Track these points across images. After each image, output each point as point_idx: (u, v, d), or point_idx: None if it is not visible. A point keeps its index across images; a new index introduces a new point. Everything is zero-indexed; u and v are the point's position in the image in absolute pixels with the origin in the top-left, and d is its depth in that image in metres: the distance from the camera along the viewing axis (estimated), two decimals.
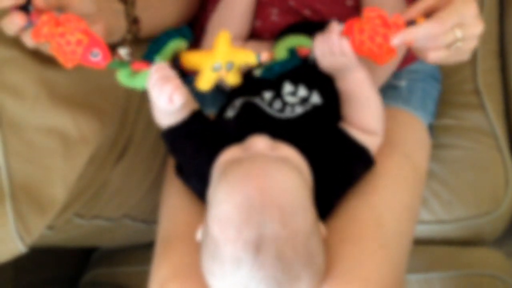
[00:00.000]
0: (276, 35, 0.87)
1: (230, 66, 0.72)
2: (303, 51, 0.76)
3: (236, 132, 0.74)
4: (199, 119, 0.77)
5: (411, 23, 0.69)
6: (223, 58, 0.71)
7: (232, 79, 0.75)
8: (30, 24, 0.67)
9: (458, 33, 0.68)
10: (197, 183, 0.77)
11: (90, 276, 1.25)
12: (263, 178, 0.64)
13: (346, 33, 0.72)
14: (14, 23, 0.66)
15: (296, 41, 0.78)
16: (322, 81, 0.79)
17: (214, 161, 0.73)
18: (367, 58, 0.73)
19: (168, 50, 0.75)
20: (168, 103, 0.70)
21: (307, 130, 0.76)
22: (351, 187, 0.78)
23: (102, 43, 0.68)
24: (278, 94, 0.79)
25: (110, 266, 1.23)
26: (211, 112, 0.92)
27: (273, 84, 0.80)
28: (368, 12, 0.70)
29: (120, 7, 0.79)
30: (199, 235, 0.71)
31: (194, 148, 0.76)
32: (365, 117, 0.77)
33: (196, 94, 1.00)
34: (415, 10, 0.70)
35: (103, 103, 0.81)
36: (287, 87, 0.80)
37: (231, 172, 0.67)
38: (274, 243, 0.62)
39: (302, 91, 0.79)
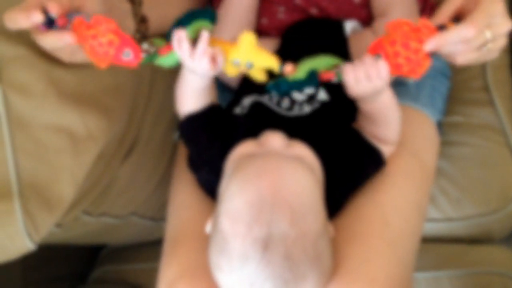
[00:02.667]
0: (282, 32, 0.87)
1: (249, 65, 0.71)
2: (326, 76, 0.71)
3: (245, 130, 0.74)
4: (218, 112, 0.77)
5: (440, 27, 0.67)
6: (242, 58, 0.70)
7: (256, 76, 0.73)
8: (52, 26, 0.67)
9: (488, 34, 0.67)
10: (208, 174, 0.77)
11: (99, 273, 1.25)
12: (276, 176, 0.64)
13: (376, 51, 0.68)
14: (64, 41, 0.67)
15: (327, 61, 0.72)
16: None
17: (226, 154, 0.73)
18: (403, 74, 0.69)
19: (191, 30, 0.72)
20: (212, 66, 0.68)
21: (317, 128, 0.76)
22: (360, 186, 0.78)
23: (133, 42, 0.68)
24: None
25: (118, 263, 1.24)
26: None
27: None
28: (392, 24, 0.67)
29: (128, 6, 0.80)
30: (208, 228, 0.71)
31: (209, 139, 0.76)
32: (384, 133, 0.77)
33: None
34: (444, 14, 0.69)
35: (111, 101, 0.81)
36: None
37: (245, 168, 0.67)
38: (283, 242, 0.62)
39: (309, 88, 0.79)
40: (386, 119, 0.75)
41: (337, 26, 0.86)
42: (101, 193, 0.90)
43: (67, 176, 0.74)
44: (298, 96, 0.79)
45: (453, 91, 1.09)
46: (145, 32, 0.85)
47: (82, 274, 1.28)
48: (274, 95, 0.79)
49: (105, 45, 0.67)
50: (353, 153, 0.76)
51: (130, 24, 0.81)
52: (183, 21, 0.70)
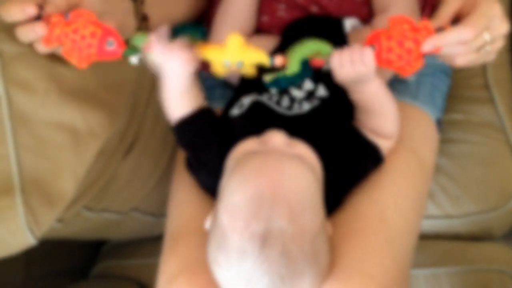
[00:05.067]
0: (282, 30, 0.88)
1: (240, 64, 0.72)
2: (316, 63, 0.73)
3: (246, 131, 0.74)
4: (209, 114, 0.78)
5: (439, 30, 0.68)
6: (233, 58, 0.71)
7: (247, 72, 0.74)
8: None
9: (487, 36, 0.68)
10: (207, 177, 0.78)
11: (100, 268, 1.26)
12: (277, 173, 0.65)
13: (372, 42, 0.69)
14: (36, 32, 0.67)
15: (313, 46, 0.74)
16: (328, 74, 0.79)
17: (225, 155, 0.74)
18: (393, 70, 0.71)
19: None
20: (185, 64, 0.70)
21: (317, 126, 0.76)
22: (359, 183, 0.79)
23: (115, 31, 0.69)
24: (284, 89, 0.79)
25: (120, 259, 1.25)
26: (219, 107, 0.92)
27: None
28: (394, 19, 0.68)
29: (129, 5, 0.80)
30: (207, 224, 0.72)
31: (205, 142, 0.77)
32: (381, 124, 0.77)
33: (205, 90, 1.01)
34: (443, 16, 0.69)
35: (112, 98, 0.82)
36: None
37: (245, 164, 0.68)
38: (281, 239, 0.63)
39: (308, 84, 0.79)
40: (379, 110, 0.76)
41: (337, 24, 0.87)
42: (102, 189, 0.90)
43: (68, 172, 0.75)
44: (297, 93, 0.79)
45: (453, 89, 1.10)
46: (146, 31, 0.85)
47: (83, 269, 1.29)
48: (274, 94, 0.80)
49: (87, 37, 0.67)
50: (352, 150, 0.77)
51: (132, 22, 0.81)
52: (173, 33, 0.72)
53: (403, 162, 0.82)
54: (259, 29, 0.91)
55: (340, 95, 0.78)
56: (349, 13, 0.89)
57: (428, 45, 0.67)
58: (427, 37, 0.67)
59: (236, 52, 0.71)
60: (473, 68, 1.15)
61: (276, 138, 0.71)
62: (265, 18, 0.91)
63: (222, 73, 0.73)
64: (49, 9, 0.67)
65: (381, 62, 0.69)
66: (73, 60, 0.70)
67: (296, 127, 0.74)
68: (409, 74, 0.70)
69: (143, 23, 0.84)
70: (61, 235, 0.95)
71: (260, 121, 0.75)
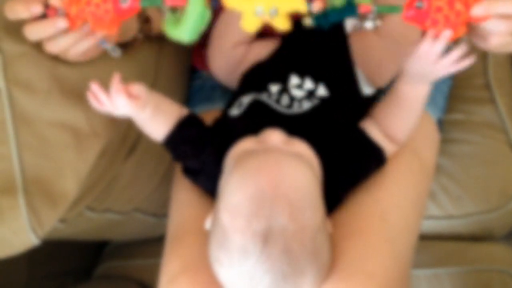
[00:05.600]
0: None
1: (274, 11, 0.65)
2: (363, 8, 0.66)
3: (244, 130, 0.74)
4: (193, 122, 0.78)
5: None
6: (265, 3, 0.65)
7: (280, 25, 0.67)
8: None
9: None
10: (205, 181, 0.79)
11: (103, 268, 1.26)
12: (276, 172, 0.65)
13: None
14: (57, 26, 0.67)
15: None
16: (329, 73, 0.80)
17: (220, 158, 0.74)
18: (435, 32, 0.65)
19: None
20: (132, 101, 0.71)
21: (316, 125, 0.76)
22: (359, 183, 0.79)
23: None
24: (284, 88, 0.79)
25: (122, 259, 1.25)
26: (219, 107, 0.92)
27: (279, 76, 0.80)
28: None
29: None
30: (208, 224, 0.72)
31: (195, 150, 0.77)
32: (398, 127, 0.77)
33: (206, 91, 1.01)
34: None
35: None
36: (294, 80, 0.80)
37: (245, 163, 0.68)
38: (282, 237, 0.63)
39: (309, 84, 0.79)
40: (408, 113, 0.75)
41: (337, 24, 0.87)
42: (104, 189, 0.91)
43: (70, 172, 0.75)
44: (297, 92, 0.79)
45: (455, 89, 1.10)
46: (148, 33, 0.85)
47: (87, 269, 1.29)
48: (273, 93, 0.80)
49: (101, 4, 0.66)
50: (354, 150, 0.77)
51: (134, 24, 0.82)
52: None
53: (404, 162, 0.83)
54: (260, 32, 0.91)
55: (340, 95, 0.79)
56: None
57: (479, 10, 0.62)
58: (476, 2, 0.63)
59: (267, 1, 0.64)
60: (474, 68, 1.15)
61: (274, 137, 0.71)
62: None
63: (254, 27, 0.67)
64: (53, 1, 0.67)
65: (426, 21, 0.64)
66: (104, 30, 0.68)
67: (295, 126, 0.74)
68: (450, 39, 0.65)
69: (145, 26, 0.84)
70: (64, 235, 0.95)
71: (259, 120, 0.75)
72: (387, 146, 0.78)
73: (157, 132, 0.77)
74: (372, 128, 0.77)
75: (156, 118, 0.76)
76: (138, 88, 0.72)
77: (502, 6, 0.63)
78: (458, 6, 0.63)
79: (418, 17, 0.65)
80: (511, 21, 0.64)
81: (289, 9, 0.66)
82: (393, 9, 0.66)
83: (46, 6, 0.67)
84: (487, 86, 1.14)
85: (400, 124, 0.77)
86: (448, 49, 0.66)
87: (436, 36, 0.64)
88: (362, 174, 0.78)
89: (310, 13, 0.66)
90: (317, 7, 0.66)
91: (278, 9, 0.65)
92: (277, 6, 0.65)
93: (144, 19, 0.84)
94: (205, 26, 0.67)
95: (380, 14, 0.67)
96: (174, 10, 0.68)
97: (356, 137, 0.77)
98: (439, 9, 0.63)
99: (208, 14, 0.66)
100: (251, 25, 0.67)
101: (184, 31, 0.67)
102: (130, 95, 0.71)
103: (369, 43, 0.85)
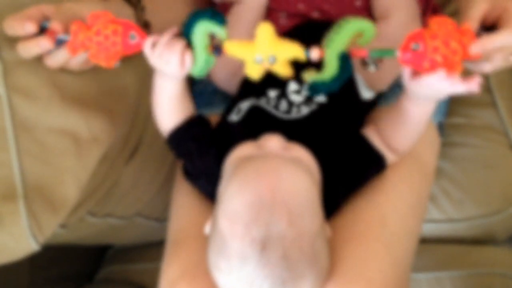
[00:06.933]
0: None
1: (272, 59, 0.67)
2: (358, 52, 0.67)
3: (244, 136, 0.74)
4: (203, 122, 0.78)
5: (478, 34, 0.66)
6: (264, 52, 0.66)
7: (280, 71, 0.68)
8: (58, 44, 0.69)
9: None
10: (206, 184, 0.79)
11: (105, 272, 1.27)
12: (274, 178, 0.65)
13: (414, 41, 0.64)
14: (41, 46, 0.68)
15: (353, 27, 0.66)
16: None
17: (222, 162, 0.74)
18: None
19: (202, 35, 0.69)
20: (180, 66, 0.68)
21: (315, 130, 0.76)
22: (359, 188, 0.79)
23: (134, 25, 0.69)
24: (283, 93, 0.79)
25: (124, 263, 1.25)
26: (219, 112, 0.92)
27: (278, 82, 0.80)
28: (436, 20, 0.65)
29: (131, 12, 0.81)
30: (207, 229, 0.72)
31: (201, 150, 0.77)
32: (400, 140, 0.76)
33: (207, 96, 1.01)
34: (472, 19, 0.68)
35: (114, 104, 0.82)
36: (292, 85, 0.80)
37: (243, 169, 0.68)
38: (281, 243, 0.63)
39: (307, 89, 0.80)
40: (411, 128, 0.74)
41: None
42: (105, 194, 0.91)
43: (71, 178, 0.75)
44: (295, 97, 0.79)
45: None
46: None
47: (88, 273, 1.29)
48: (272, 98, 0.80)
49: (111, 36, 0.68)
50: (356, 157, 0.77)
51: None
52: (191, 23, 0.69)
53: (404, 166, 0.82)
54: None
55: (338, 101, 0.79)
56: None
57: (477, 47, 0.64)
58: (471, 40, 0.64)
59: (267, 45, 0.66)
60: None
61: (273, 142, 0.71)
62: None
63: (257, 73, 0.69)
64: (53, 25, 0.68)
65: (424, 62, 0.64)
66: (101, 62, 0.70)
67: (294, 131, 0.74)
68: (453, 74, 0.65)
69: (145, 30, 0.85)
70: (65, 240, 0.95)
71: (258, 126, 0.75)
72: (388, 155, 0.78)
73: (169, 120, 0.77)
74: (374, 136, 0.77)
75: (178, 102, 0.75)
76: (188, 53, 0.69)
77: (497, 41, 0.65)
78: (453, 44, 0.64)
79: (415, 59, 0.65)
80: (504, 51, 0.66)
81: (287, 57, 0.67)
82: (387, 52, 0.67)
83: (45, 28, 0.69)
84: (488, 90, 1.14)
85: (402, 138, 0.76)
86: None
87: (445, 77, 0.64)
88: (362, 180, 0.78)
89: (309, 61, 0.67)
90: (315, 55, 0.66)
91: (277, 57, 0.66)
92: (275, 54, 0.66)
93: (144, 23, 0.84)
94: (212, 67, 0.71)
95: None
96: None
97: (357, 143, 0.77)
98: (435, 49, 0.64)
99: (213, 60, 0.70)
100: (254, 72, 0.69)
101: (193, 72, 0.71)
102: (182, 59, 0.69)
103: (368, 46, 0.85)
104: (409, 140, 0.76)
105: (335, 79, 0.68)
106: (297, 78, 0.80)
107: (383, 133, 0.77)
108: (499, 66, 0.69)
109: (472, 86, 0.64)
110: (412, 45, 0.65)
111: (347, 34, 0.67)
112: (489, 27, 0.70)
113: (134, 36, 0.69)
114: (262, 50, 0.66)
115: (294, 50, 0.66)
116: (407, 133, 0.75)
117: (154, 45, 0.68)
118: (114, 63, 0.70)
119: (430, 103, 0.71)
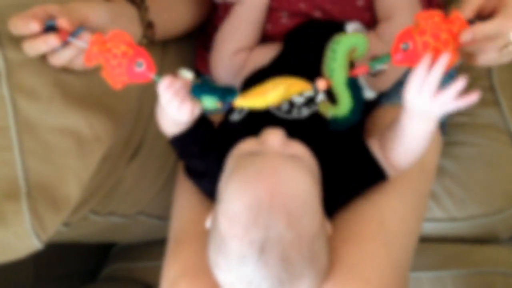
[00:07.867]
0: (284, 37, 0.88)
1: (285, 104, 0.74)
2: (360, 70, 0.68)
3: (245, 135, 0.74)
4: (205, 123, 0.78)
5: (470, 22, 0.66)
6: (276, 100, 0.69)
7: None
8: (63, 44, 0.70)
9: (511, 36, 0.66)
10: (208, 183, 0.79)
11: (109, 270, 1.27)
12: (274, 179, 0.65)
13: (403, 40, 0.65)
14: (48, 44, 0.69)
15: (346, 43, 0.68)
16: None
17: (224, 162, 0.74)
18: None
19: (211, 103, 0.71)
20: (186, 114, 0.70)
21: (315, 130, 0.76)
22: (358, 193, 0.79)
23: (147, 54, 0.68)
24: None
25: (128, 261, 1.26)
26: (222, 112, 0.93)
27: None
28: (421, 15, 0.65)
29: (134, 12, 0.81)
30: (208, 223, 0.73)
31: (203, 151, 0.77)
32: (399, 159, 0.75)
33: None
34: (469, 9, 0.67)
35: (116, 104, 0.83)
36: None
37: (243, 168, 0.68)
38: (279, 245, 0.63)
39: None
40: (410, 147, 0.73)
41: (339, 28, 0.87)
42: (108, 193, 0.91)
43: (73, 177, 0.76)
44: (297, 99, 0.79)
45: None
46: (151, 37, 0.86)
47: (92, 271, 1.30)
48: None
49: (118, 56, 0.68)
50: (357, 167, 0.76)
51: (137, 29, 0.82)
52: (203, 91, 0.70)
53: None
54: (262, 37, 0.92)
55: None
56: (352, 18, 0.89)
57: (467, 35, 0.63)
58: (461, 28, 0.64)
59: (279, 97, 0.69)
60: (478, 70, 1.15)
61: (274, 137, 0.71)
62: (269, 26, 0.91)
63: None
64: (60, 21, 0.69)
65: (418, 59, 0.64)
66: (109, 80, 0.70)
67: (295, 130, 0.74)
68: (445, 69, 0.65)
69: (149, 30, 0.85)
70: (68, 238, 0.96)
71: (259, 125, 0.75)
72: (387, 167, 0.76)
73: (171, 129, 0.77)
74: (378, 149, 0.76)
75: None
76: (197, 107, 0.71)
77: (488, 28, 0.65)
78: (444, 35, 0.63)
79: (408, 58, 0.65)
80: (496, 39, 0.66)
81: (297, 94, 0.71)
82: (384, 59, 0.67)
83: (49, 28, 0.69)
84: (491, 88, 1.13)
85: (400, 155, 0.75)
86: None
87: (431, 64, 0.64)
88: (360, 190, 0.78)
89: (317, 91, 0.71)
90: (321, 86, 0.69)
91: (286, 96, 0.69)
92: (286, 97, 0.69)
93: (148, 24, 0.84)
94: None
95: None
96: None
97: (360, 153, 0.77)
98: (426, 44, 0.64)
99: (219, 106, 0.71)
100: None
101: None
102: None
103: (370, 46, 0.85)
104: (408, 158, 0.75)
105: (353, 111, 0.70)
106: (299, 77, 0.80)
107: (383, 146, 0.76)
108: (494, 58, 0.68)
109: (473, 98, 0.64)
110: (402, 45, 0.65)
111: (343, 56, 0.69)
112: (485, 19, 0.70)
113: (141, 64, 0.68)
114: (275, 99, 0.69)
115: (303, 88, 0.69)
116: (405, 150, 0.74)
117: (167, 86, 0.68)
118: (119, 86, 0.70)
119: (428, 122, 0.69)
